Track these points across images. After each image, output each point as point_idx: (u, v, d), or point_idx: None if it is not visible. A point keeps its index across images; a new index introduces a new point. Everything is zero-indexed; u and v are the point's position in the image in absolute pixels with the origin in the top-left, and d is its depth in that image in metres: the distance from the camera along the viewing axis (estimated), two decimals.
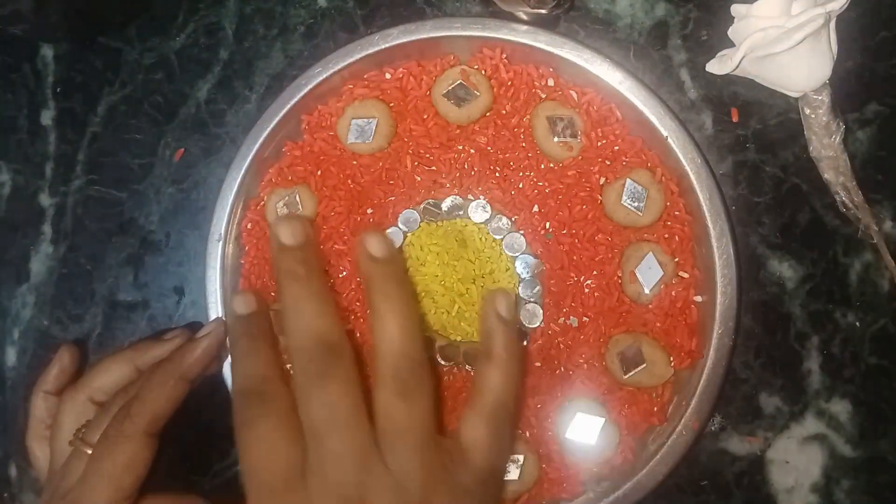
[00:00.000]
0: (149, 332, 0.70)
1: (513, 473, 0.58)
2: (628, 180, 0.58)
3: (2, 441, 0.73)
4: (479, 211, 0.61)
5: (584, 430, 0.58)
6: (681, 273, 0.58)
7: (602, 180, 0.60)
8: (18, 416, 0.73)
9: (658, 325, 0.58)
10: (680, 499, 0.61)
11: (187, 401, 0.69)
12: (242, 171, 0.63)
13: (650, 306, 0.58)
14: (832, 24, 0.56)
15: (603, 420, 0.58)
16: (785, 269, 0.60)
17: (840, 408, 0.59)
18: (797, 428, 0.60)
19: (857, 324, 0.59)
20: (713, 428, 0.61)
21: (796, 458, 0.60)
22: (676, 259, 0.58)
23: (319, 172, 0.64)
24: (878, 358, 0.59)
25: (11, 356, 0.73)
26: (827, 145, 0.56)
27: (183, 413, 0.69)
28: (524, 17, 0.60)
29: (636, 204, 0.58)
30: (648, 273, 0.57)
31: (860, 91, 0.59)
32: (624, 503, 0.57)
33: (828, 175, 0.57)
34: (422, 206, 0.62)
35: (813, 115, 0.57)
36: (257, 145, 0.62)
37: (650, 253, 0.57)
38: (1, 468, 0.73)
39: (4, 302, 0.73)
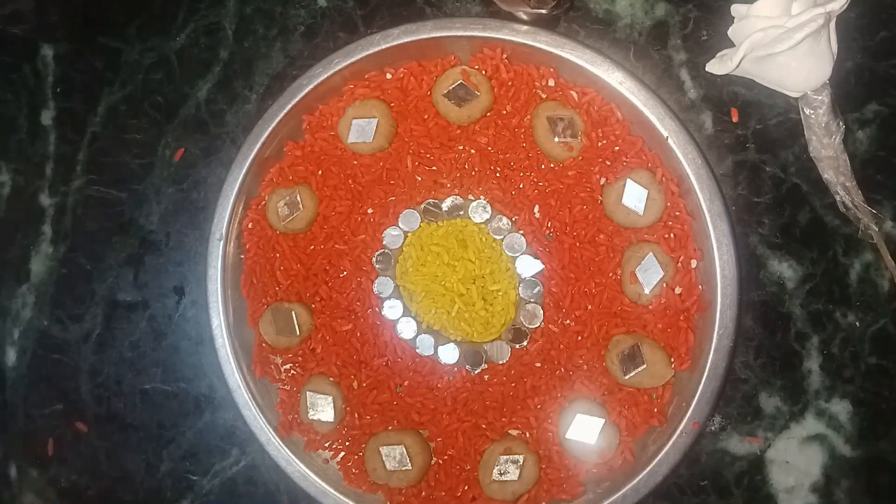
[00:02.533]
0: (149, 331, 0.70)
1: (512, 474, 0.58)
2: (629, 181, 0.58)
3: (2, 441, 0.73)
4: (479, 211, 0.61)
5: (583, 430, 0.58)
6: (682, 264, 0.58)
7: (602, 181, 0.60)
8: (18, 415, 0.73)
9: (658, 325, 0.58)
10: (680, 499, 0.61)
11: (187, 400, 0.69)
12: (244, 171, 0.63)
13: (650, 307, 0.58)
14: (832, 25, 0.56)
15: (603, 421, 0.58)
16: (785, 269, 0.60)
17: (840, 408, 0.59)
18: (797, 428, 0.60)
19: (857, 324, 0.59)
20: (713, 428, 0.61)
21: (796, 459, 0.60)
22: (679, 261, 0.58)
23: (320, 172, 0.64)
24: (877, 358, 0.59)
25: (11, 356, 0.73)
26: (827, 145, 0.56)
27: (182, 413, 0.69)
28: (524, 17, 0.60)
29: (637, 204, 0.58)
30: (648, 273, 0.57)
31: (860, 91, 0.59)
32: None
33: (828, 175, 0.57)
34: (422, 206, 0.62)
35: (813, 115, 0.57)
36: (259, 144, 0.63)
37: (650, 253, 0.57)
38: (1, 467, 0.73)
39: (4, 302, 0.73)
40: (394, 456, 0.59)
